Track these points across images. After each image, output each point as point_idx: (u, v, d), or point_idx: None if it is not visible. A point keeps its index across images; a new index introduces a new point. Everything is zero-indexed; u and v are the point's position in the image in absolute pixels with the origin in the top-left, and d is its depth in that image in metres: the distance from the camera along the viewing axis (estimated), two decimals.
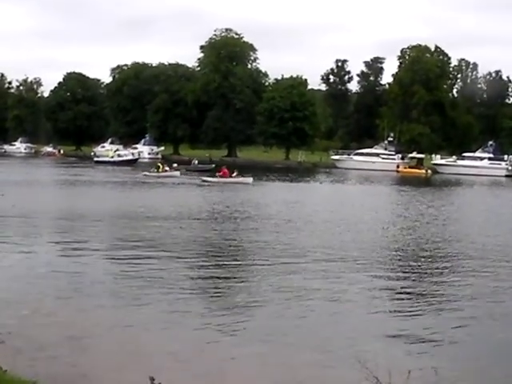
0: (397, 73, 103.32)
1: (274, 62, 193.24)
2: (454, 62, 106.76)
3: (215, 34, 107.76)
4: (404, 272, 17.02)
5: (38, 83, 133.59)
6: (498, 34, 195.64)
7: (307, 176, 68.13)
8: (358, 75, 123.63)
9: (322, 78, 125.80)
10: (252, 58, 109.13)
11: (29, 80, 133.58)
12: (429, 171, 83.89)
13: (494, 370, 10.04)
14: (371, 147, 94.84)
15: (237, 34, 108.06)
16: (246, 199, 35.91)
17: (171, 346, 10.39)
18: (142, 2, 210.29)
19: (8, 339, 10.03)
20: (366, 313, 12.72)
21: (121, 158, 78.48)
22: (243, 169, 54.99)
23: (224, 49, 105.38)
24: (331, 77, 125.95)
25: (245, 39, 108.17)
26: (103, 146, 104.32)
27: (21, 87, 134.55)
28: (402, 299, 14.08)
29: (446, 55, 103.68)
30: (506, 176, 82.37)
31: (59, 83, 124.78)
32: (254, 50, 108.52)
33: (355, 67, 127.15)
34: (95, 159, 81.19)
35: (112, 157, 79.53)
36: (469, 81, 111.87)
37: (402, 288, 15.08)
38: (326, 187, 53.96)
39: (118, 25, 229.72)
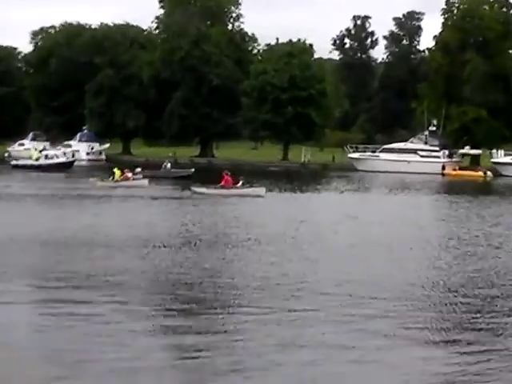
0: (440, 33, 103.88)
1: (268, 22, 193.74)
2: None
3: None
4: (472, 323, 16.49)
5: None
6: None
7: (316, 182, 67.96)
8: (384, 37, 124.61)
9: (335, 43, 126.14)
10: (234, 15, 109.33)
11: None
12: (489, 173, 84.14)
13: None
14: (405, 141, 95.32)
15: None
16: (250, 218, 36.82)
17: None
18: None
19: None
20: None
21: (50, 161, 78.12)
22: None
23: (194, 3, 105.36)
24: (347, 40, 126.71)
25: None
26: (22, 144, 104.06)
27: None
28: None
29: None
30: None
31: None
32: (236, 3, 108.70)
33: (381, 26, 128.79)
34: (12, 163, 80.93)
35: (37, 159, 79.33)
36: None
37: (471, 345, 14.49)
38: (349, 198, 54.65)
39: None
